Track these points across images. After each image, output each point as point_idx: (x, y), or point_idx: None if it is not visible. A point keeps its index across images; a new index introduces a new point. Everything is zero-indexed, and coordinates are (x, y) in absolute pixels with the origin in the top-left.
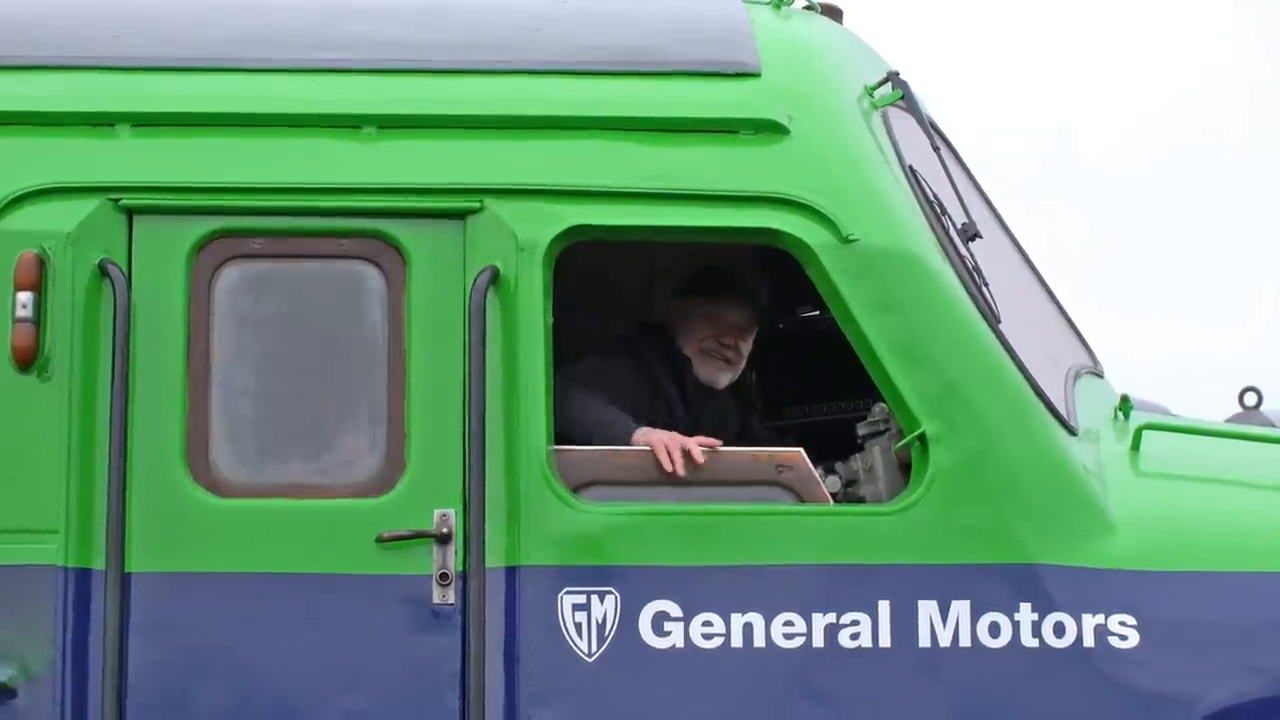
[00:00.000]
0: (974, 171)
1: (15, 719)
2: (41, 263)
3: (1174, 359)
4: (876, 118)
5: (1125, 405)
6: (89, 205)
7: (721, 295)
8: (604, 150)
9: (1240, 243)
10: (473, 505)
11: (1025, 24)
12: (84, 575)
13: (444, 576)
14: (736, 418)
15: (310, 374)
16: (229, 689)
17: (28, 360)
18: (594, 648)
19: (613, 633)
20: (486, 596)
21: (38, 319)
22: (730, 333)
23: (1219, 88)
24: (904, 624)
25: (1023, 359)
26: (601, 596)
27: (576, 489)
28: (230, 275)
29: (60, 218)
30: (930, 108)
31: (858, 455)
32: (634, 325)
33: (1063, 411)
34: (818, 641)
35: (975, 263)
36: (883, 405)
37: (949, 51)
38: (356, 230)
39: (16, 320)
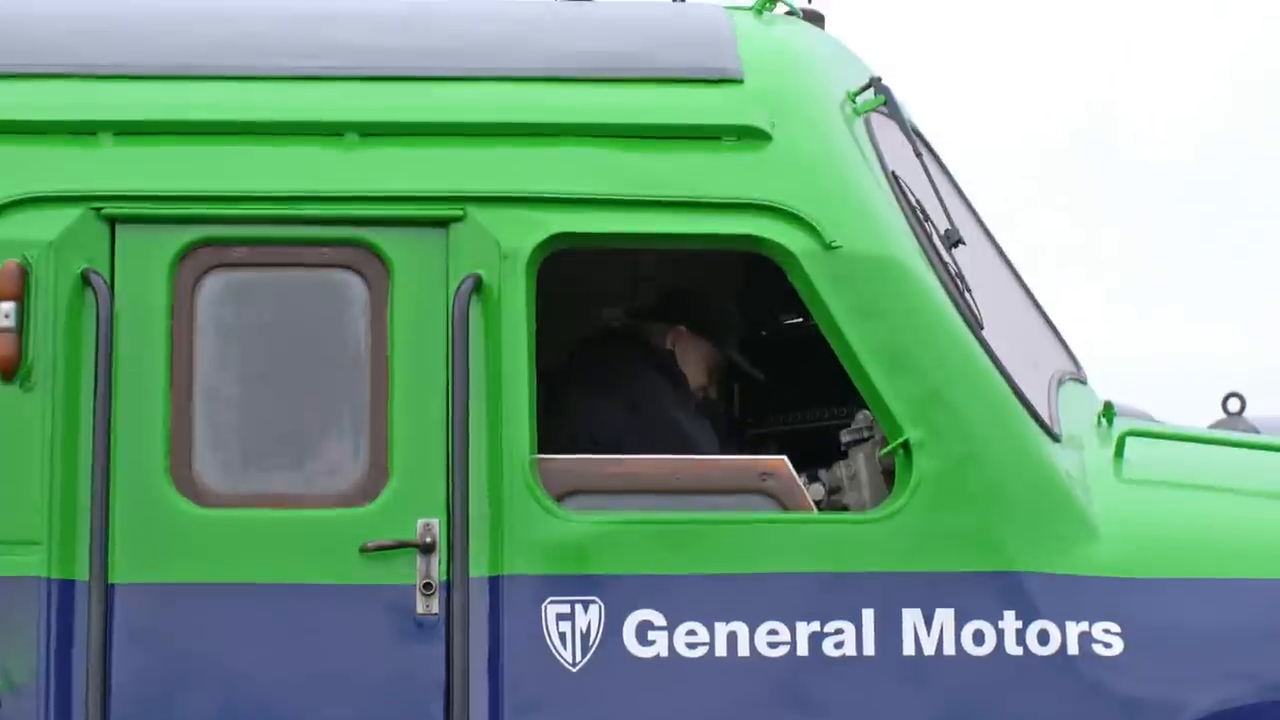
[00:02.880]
0: (958, 179)
1: None
2: (24, 272)
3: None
4: (859, 123)
5: (1108, 411)
6: (71, 214)
7: (724, 345)
8: (587, 157)
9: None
10: (456, 514)
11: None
12: (67, 586)
13: (428, 586)
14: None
15: (293, 383)
16: (213, 700)
17: (9, 370)
18: (578, 657)
19: (597, 642)
20: (470, 606)
21: (20, 328)
22: (715, 385)
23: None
24: (888, 632)
25: (1006, 365)
26: (585, 606)
27: (560, 498)
28: (213, 284)
29: (42, 227)
30: (913, 113)
31: (841, 463)
32: (632, 340)
33: (1046, 418)
34: (802, 650)
35: (958, 269)
36: (866, 412)
37: (952, 46)
38: (339, 239)
39: None
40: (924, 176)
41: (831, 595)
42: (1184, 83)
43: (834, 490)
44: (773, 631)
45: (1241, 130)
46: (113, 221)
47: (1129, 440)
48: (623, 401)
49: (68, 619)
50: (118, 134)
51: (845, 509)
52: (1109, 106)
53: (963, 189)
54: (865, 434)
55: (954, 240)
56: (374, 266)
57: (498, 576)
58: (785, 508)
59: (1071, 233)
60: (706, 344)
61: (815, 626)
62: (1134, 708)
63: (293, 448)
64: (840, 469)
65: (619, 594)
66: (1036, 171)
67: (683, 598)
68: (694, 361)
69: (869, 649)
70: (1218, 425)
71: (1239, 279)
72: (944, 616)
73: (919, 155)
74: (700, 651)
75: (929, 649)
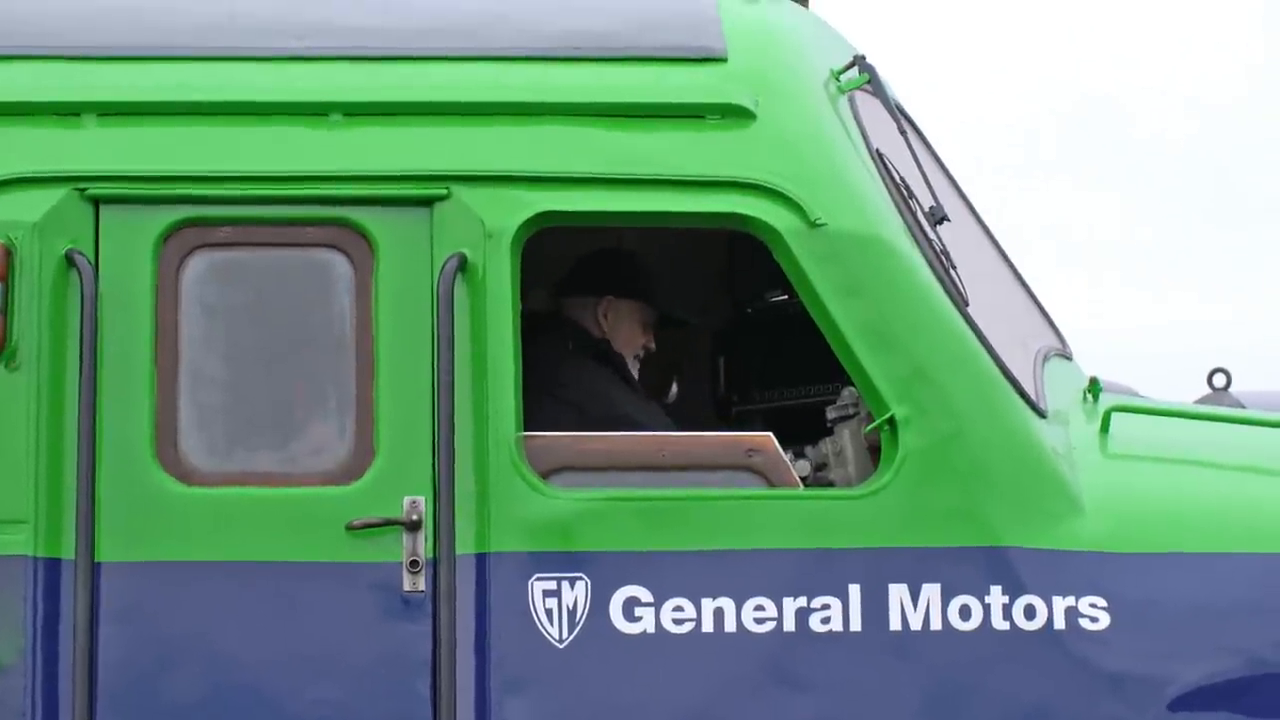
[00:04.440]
0: (943, 157)
1: None
2: (8, 253)
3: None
4: (843, 102)
5: (1094, 387)
6: (55, 195)
7: (654, 300)
8: (571, 136)
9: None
10: (442, 492)
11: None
12: (53, 565)
13: (414, 564)
14: None
15: (279, 362)
16: (200, 677)
17: None
18: (565, 634)
19: (583, 619)
20: (457, 583)
21: (4, 309)
22: (652, 336)
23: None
24: (875, 607)
25: (991, 342)
26: (572, 582)
27: (546, 475)
28: (197, 264)
29: (26, 207)
30: (897, 91)
31: (827, 439)
32: (563, 327)
33: (1032, 394)
34: (789, 626)
35: (943, 246)
36: (852, 389)
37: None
38: (324, 218)
39: None
40: (908, 154)
41: (818, 571)
42: (1187, 63)
43: (820, 467)
44: (759, 608)
45: (1240, 112)
46: (97, 202)
47: (1114, 416)
48: (570, 406)
49: (54, 597)
50: (101, 115)
51: (831, 485)
52: (1106, 85)
53: (947, 166)
54: (851, 411)
55: (939, 218)
56: (359, 246)
57: (484, 554)
58: (771, 484)
59: (1059, 210)
60: (635, 303)
61: (802, 602)
62: (1120, 682)
63: (278, 426)
64: (826, 445)
65: (605, 570)
66: (1032, 147)
67: (669, 574)
68: (628, 325)
69: (855, 624)
70: (1203, 400)
71: (1228, 257)
72: (930, 592)
73: (903, 133)
74: (687, 628)
75: (915, 624)
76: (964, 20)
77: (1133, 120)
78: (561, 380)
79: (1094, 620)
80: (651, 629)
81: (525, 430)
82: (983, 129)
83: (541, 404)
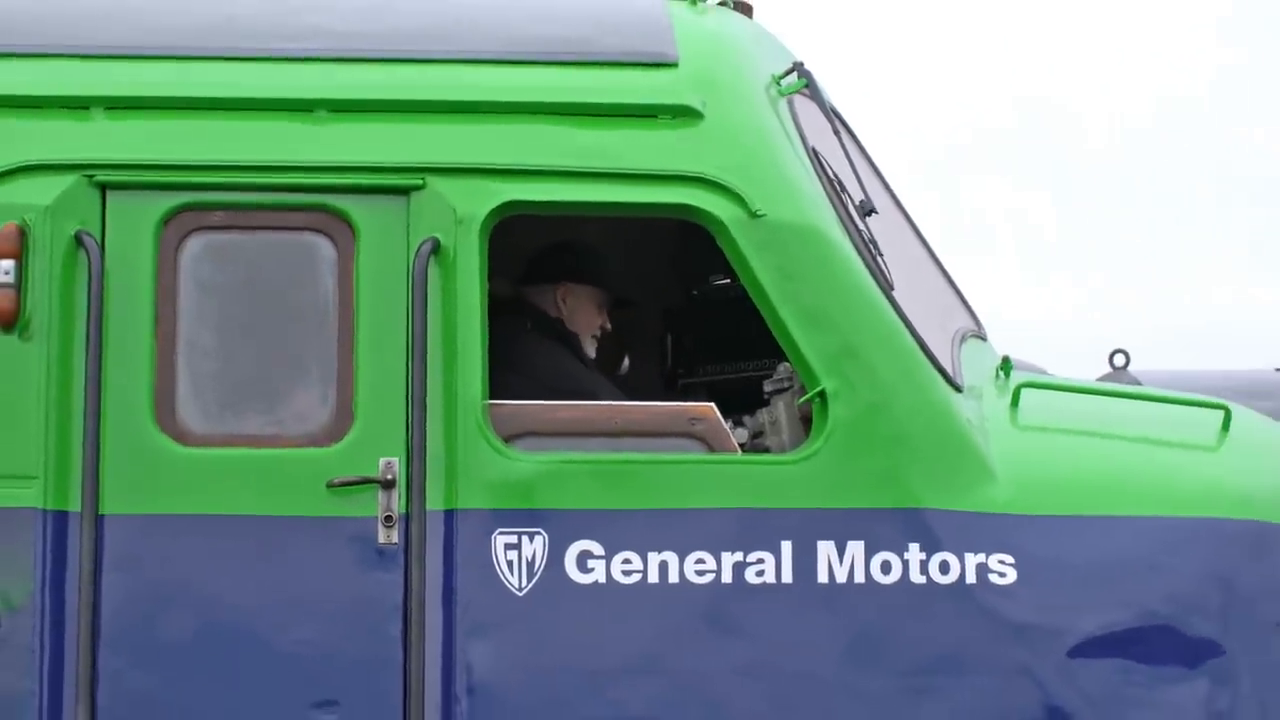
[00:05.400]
0: (873, 155)
1: None
2: (23, 233)
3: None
4: (783, 104)
5: (1006, 365)
6: (66, 181)
7: (605, 284)
8: (536, 132)
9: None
10: (415, 454)
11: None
12: (61, 517)
13: (388, 519)
14: None
15: (267, 335)
16: (193, 621)
17: (9, 322)
18: (524, 583)
19: (541, 570)
20: (427, 537)
21: (19, 284)
22: (607, 317)
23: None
24: (804, 562)
25: (914, 323)
26: (531, 537)
27: (509, 439)
28: (194, 245)
29: (40, 192)
30: (832, 95)
31: (764, 410)
32: (525, 311)
33: (949, 370)
34: (726, 578)
35: (871, 236)
36: (787, 364)
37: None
38: (309, 204)
39: (0, 285)
40: (841, 152)
41: (753, 529)
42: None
43: (756, 434)
44: (700, 561)
45: (1164, 121)
46: (104, 188)
47: (1024, 391)
48: (542, 384)
49: (61, 547)
50: (109, 108)
51: (767, 451)
52: (1049, 88)
53: (877, 164)
54: (785, 384)
55: (868, 210)
56: (341, 230)
57: (452, 510)
58: (712, 450)
59: (986, 206)
60: (590, 287)
61: (739, 557)
62: (1025, 631)
63: (266, 393)
64: (763, 415)
65: (561, 526)
66: (975, 145)
67: (619, 530)
68: (586, 307)
69: (787, 577)
70: (1104, 378)
71: (1131, 251)
72: (855, 549)
73: (837, 133)
74: (634, 579)
75: (841, 578)
76: (900, 27)
77: (1059, 125)
78: (523, 356)
79: (1002, 575)
80: (603, 580)
81: (491, 399)
82: (918, 130)
83: (505, 377)
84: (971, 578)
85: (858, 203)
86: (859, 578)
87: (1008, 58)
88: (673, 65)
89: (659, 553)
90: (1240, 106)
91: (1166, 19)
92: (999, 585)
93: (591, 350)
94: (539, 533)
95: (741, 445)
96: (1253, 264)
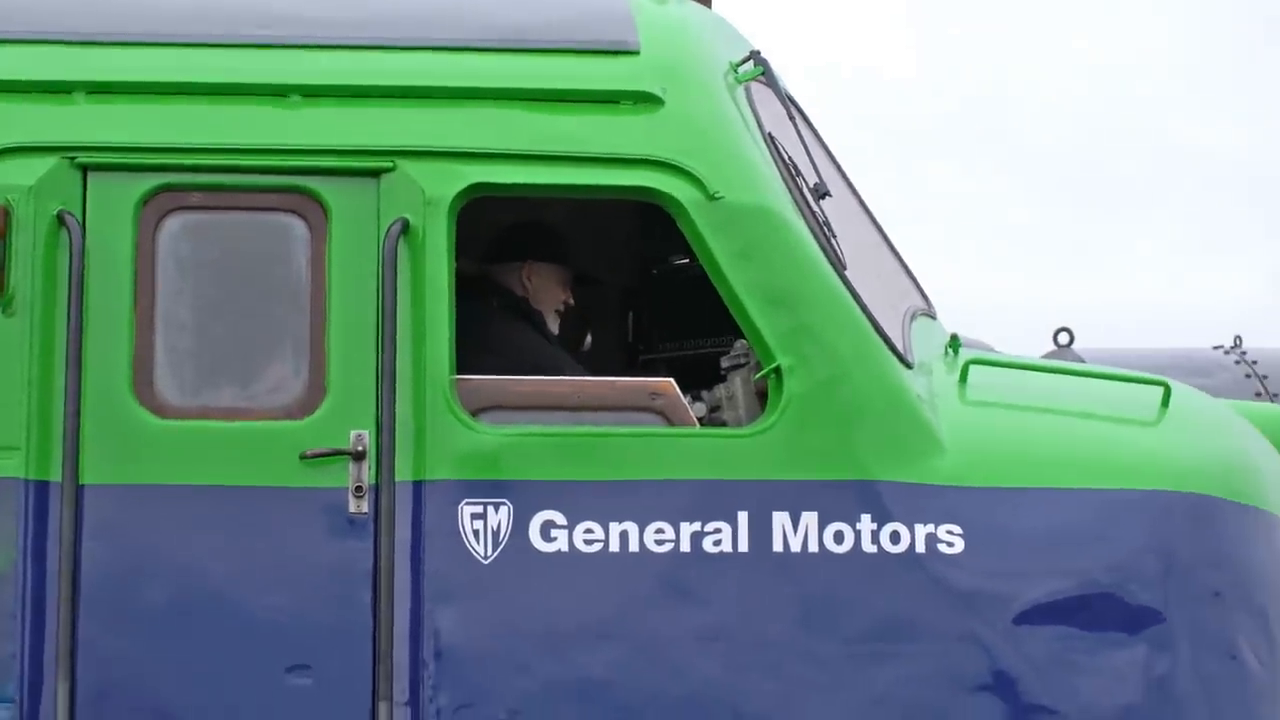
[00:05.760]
0: (826, 140)
1: None
2: (6, 213)
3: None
4: (740, 91)
5: (954, 343)
6: (49, 162)
7: (568, 262)
8: (502, 117)
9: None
10: (384, 427)
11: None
12: (43, 486)
13: (359, 489)
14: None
15: (242, 312)
16: (170, 587)
17: None
18: (489, 551)
19: (506, 539)
20: (396, 507)
21: (3, 261)
22: (570, 294)
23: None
24: (760, 532)
25: (866, 302)
26: (496, 507)
27: (475, 413)
28: (172, 225)
29: (23, 173)
30: (787, 83)
31: (721, 385)
32: (492, 291)
33: (900, 347)
34: (685, 547)
35: (825, 218)
36: (743, 341)
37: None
38: (283, 186)
39: None
40: (796, 137)
41: (711, 500)
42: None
43: (714, 409)
44: (659, 530)
45: (1099, 112)
46: (85, 169)
47: (972, 368)
48: (508, 360)
49: (43, 514)
50: (90, 93)
51: (724, 425)
52: (997, 77)
53: (831, 149)
54: (742, 360)
55: (821, 193)
56: (314, 210)
57: (420, 481)
58: (671, 423)
59: (937, 193)
60: (553, 265)
61: (696, 526)
62: (972, 599)
63: (241, 368)
64: (720, 390)
65: (526, 497)
66: (929, 131)
67: (581, 500)
68: (550, 285)
69: (743, 546)
70: (1049, 356)
71: (1077, 234)
72: (809, 519)
73: (792, 119)
74: (596, 547)
75: (795, 547)
76: (853, 19)
77: (1010, 119)
78: (489, 332)
79: (950, 545)
80: (565, 548)
81: (458, 374)
82: (874, 117)
83: (472, 353)
84: (921, 547)
85: (812, 186)
86: (813, 547)
87: (953, 47)
88: (634, 53)
89: (620, 522)
90: (1181, 89)
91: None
92: (947, 554)
93: (555, 327)
94: (504, 503)
95: (699, 419)
96: (1193, 247)
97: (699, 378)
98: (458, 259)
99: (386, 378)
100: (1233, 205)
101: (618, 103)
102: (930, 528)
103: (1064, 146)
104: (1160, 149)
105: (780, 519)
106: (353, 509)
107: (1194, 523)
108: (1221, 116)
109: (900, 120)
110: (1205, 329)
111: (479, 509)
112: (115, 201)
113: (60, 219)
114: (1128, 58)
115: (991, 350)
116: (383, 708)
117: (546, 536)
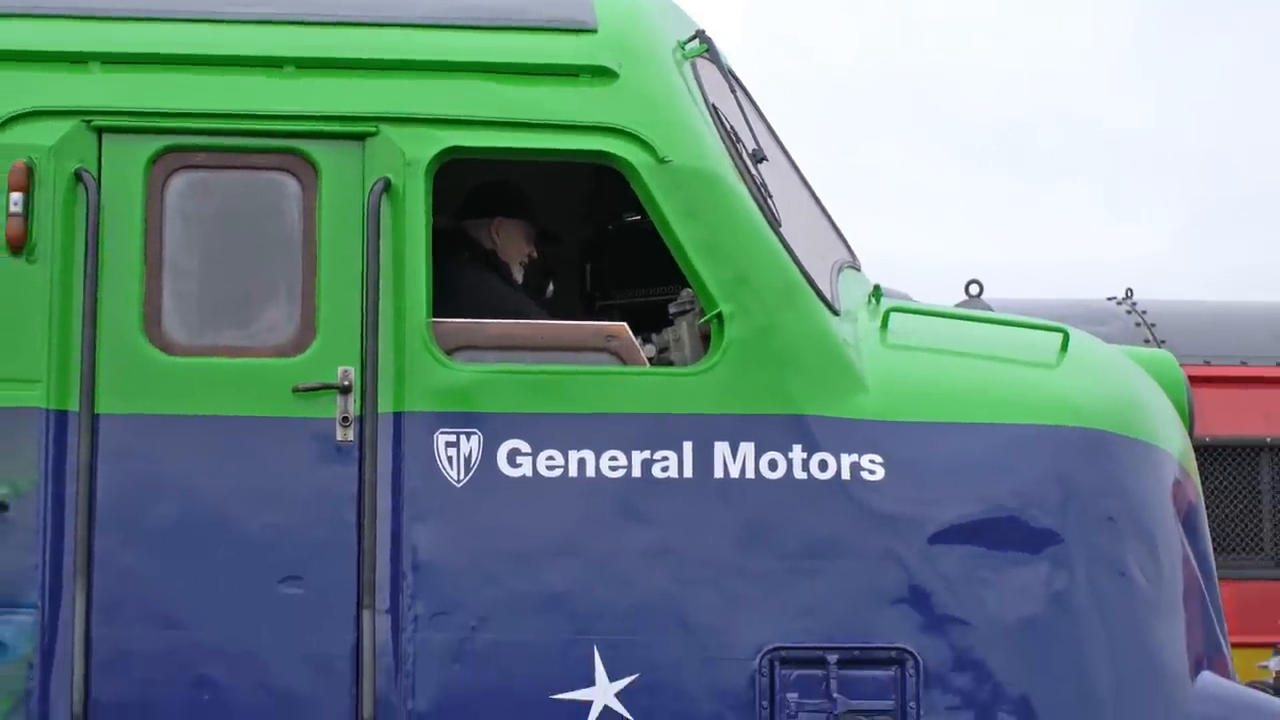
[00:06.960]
0: (766, 112)
1: (7, 527)
2: (30, 170)
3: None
4: (687, 66)
5: (877, 293)
6: (67, 125)
7: (532, 218)
8: (474, 88)
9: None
10: (368, 364)
11: None
12: (62, 416)
13: (345, 420)
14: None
15: (241, 260)
16: (176, 507)
17: (19, 246)
18: (461, 476)
19: (476, 464)
20: (378, 435)
21: (26, 214)
22: (534, 248)
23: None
24: (703, 460)
25: (798, 255)
26: (468, 436)
27: (450, 352)
28: (179, 182)
29: (45, 134)
30: (729, 60)
31: (669, 329)
32: (463, 244)
33: (828, 296)
34: (636, 473)
35: (762, 180)
36: (689, 290)
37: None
38: (278, 148)
39: (10, 215)
40: (737, 108)
41: (659, 431)
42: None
43: (663, 350)
44: (613, 458)
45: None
46: (100, 131)
47: (892, 315)
48: (479, 305)
49: (62, 441)
50: (105, 63)
51: (671, 365)
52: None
53: (769, 119)
54: (688, 307)
55: (759, 158)
56: (305, 170)
57: (400, 412)
58: (624, 363)
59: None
60: (519, 221)
61: (646, 455)
62: (892, 521)
63: (240, 310)
64: (668, 334)
65: (494, 427)
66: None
67: (544, 431)
68: (516, 239)
69: (688, 473)
70: (961, 304)
71: (988, 192)
72: (746, 449)
73: (734, 91)
74: (557, 473)
75: (734, 473)
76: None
77: (936, 88)
78: (462, 281)
79: (872, 473)
80: (529, 474)
81: (434, 318)
82: (804, 83)
83: (446, 299)
84: (846, 474)
85: (750, 151)
86: (750, 474)
87: (893, 24)
88: (592, 31)
89: (578, 451)
90: (1093, 52)
91: None
92: (870, 481)
93: (520, 277)
94: (475, 433)
95: (649, 359)
96: (1098, 215)
97: (649, 322)
98: (434, 215)
99: (370, 320)
100: (1136, 176)
101: (577, 76)
102: (855, 457)
103: (987, 119)
104: (1074, 123)
105: (721, 449)
106: (339, 437)
107: (1089, 455)
108: (1130, 97)
109: (837, 91)
110: (1103, 282)
111: (452, 438)
112: (127, 161)
113: (78, 176)
114: (1053, 38)
115: (910, 299)
116: (366, 615)
117: (513, 463)
